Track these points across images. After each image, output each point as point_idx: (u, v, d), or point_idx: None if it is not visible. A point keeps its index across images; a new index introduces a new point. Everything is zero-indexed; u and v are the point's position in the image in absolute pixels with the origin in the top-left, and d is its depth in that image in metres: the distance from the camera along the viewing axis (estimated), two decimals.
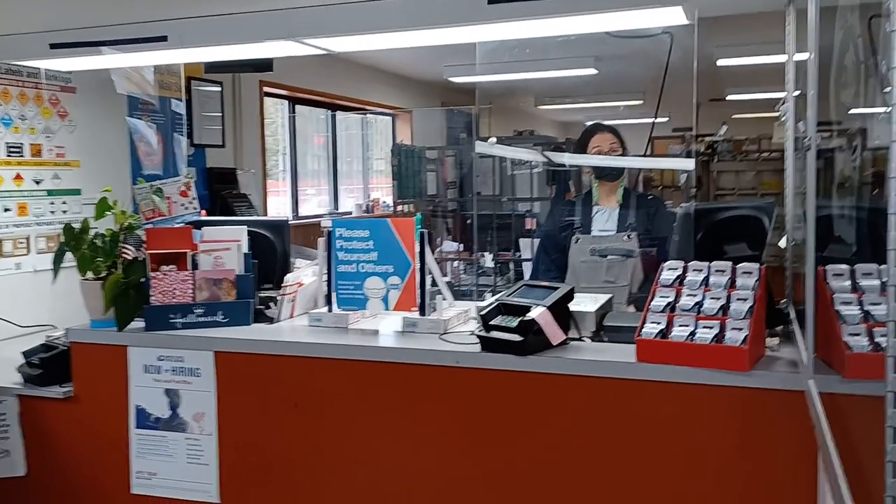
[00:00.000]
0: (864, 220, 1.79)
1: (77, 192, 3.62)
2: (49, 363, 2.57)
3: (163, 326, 2.46)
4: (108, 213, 2.60)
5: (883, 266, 1.66)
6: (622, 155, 3.10)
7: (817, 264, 1.64)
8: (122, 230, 2.58)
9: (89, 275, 2.56)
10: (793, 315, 2.17)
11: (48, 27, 2.73)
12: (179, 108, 3.96)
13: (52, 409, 2.57)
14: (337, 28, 2.46)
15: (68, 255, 2.57)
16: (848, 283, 1.79)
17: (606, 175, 3.08)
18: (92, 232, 2.58)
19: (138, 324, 2.49)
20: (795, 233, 2.33)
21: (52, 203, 3.52)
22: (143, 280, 2.48)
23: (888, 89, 0.91)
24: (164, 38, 2.59)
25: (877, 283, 1.76)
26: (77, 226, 2.59)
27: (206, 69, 4.81)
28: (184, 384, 2.44)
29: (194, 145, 5.15)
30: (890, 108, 0.88)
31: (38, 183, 3.45)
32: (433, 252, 2.62)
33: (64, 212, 3.55)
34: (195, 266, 2.53)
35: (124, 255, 2.56)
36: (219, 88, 5.53)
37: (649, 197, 3.24)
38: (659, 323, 1.99)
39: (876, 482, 0.96)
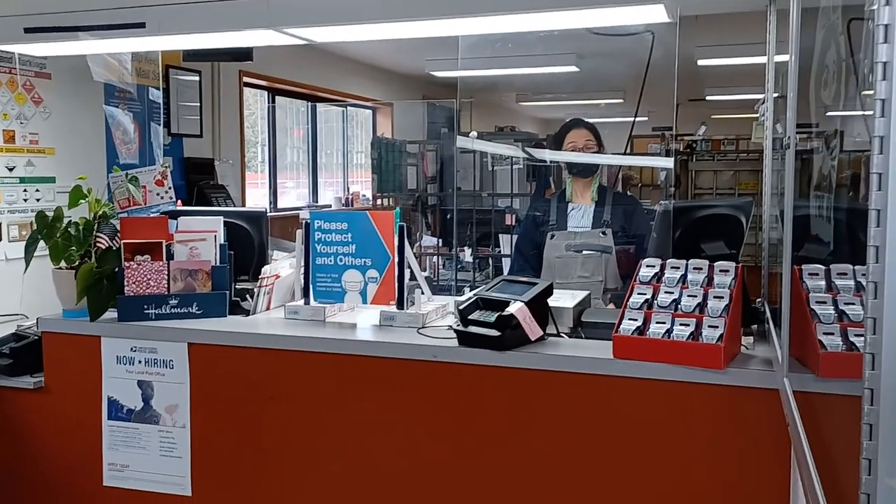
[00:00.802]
0: (841, 220, 1.81)
1: (51, 179, 3.57)
2: (20, 353, 2.54)
3: (136, 317, 2.43)
4: (82, 201, 2.56)
5: (857, 266, 1.68)
6: (597, 152, 3.10)
7: (793, 264, 1.66)
8: (96, 219, 2.55)
9: (62, 264, 2.52)
10: (768, 314, 2.19)
11: (23, 10, 2.68)
12: (157, 96, 3.92)
13: (22, 399, 2.53)
14: (317, 18, 2.44)
15: (41, 244, 2.53)
16: (823, 282, 1.80)
17: (579, 171, 3.08)
18: (65, 220, 2.54)
19: (111, 314, 2.46)
20: (772, 232, 2.35)
21: (26, 190, 3.47)
22: (116, 270, 2.45)
23: (869, 91, 0.91)
24: (142, 25, 2.55)
25: (851, 283, 1.78)
26: (50, 214, 2.55)
27: (185, 57, 4.76)
28: (157, 376, 2.41)
29: (171, 134, 5.10)
30: (871, 110, 0.88)
31: (10, 170, 3.39)
32: (412, 246, 2.61)
33: (37, 199, 3.50)
34: (170, 256, 2.50)
35: (98, 245, 2.52)
36: (197, 77, 5.47)
37: (626, 195, 3.25)
38: (636, 320, 1.99)
39: (849, 479, 0.96)
